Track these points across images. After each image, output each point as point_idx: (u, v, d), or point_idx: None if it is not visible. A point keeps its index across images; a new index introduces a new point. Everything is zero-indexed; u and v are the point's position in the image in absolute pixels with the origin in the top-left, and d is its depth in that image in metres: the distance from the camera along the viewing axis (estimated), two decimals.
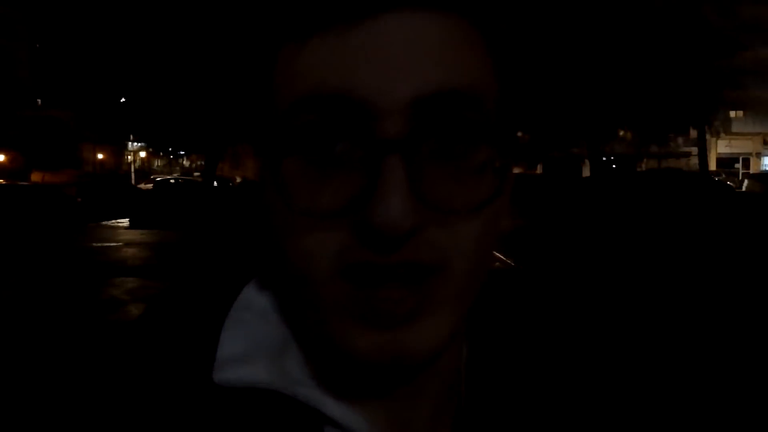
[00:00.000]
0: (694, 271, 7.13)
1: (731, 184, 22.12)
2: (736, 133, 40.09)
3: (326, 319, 0.45)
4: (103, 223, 19.84)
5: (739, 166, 41.11)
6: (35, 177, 35.15)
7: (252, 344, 0.50)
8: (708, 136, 27.07)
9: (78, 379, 0.49)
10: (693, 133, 29.71)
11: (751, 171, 37.32)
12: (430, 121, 0.43)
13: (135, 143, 51.44)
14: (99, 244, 14.13)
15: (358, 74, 0.42)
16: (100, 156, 47.69)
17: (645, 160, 35.40)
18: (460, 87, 0.43)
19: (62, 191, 23.34)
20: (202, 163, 30.37)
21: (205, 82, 17.06)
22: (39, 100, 43.45)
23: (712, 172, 30.80)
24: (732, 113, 38.50)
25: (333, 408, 0.48)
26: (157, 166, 69.44)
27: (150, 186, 29.73)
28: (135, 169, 52.48)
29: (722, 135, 35.62)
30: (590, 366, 0.60)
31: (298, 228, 0.44)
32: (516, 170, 0.50)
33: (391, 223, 0.40)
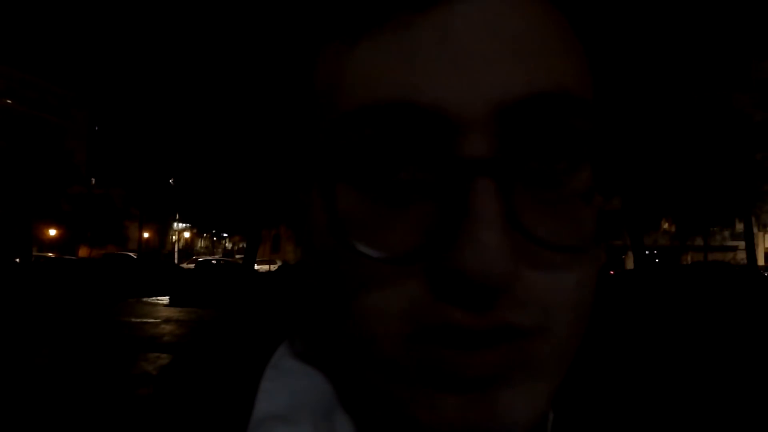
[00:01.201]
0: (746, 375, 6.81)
1: None
2: None
3: (392, 386, 0.35)
4: (144, 299, 20.07)
5: None
6: (83, 252, 36.11)
7: (296, 399, 0.40)
8: (755, 230, 26.48)
9: None
10: (740, 227, 29.12)
11: None
12: (524, 133, 0.33)
13: (180, 223, 52.65)
14: (138, 320, 14.23)
15: (429, 76, 0.32)
16: (145, 234, 48.81)
17: (689, 253, 34.68)
18: (556, 88, 0.33)
19: (106, 266, 23.90)
20: (244, 245, 30.84)
21: (246, 153, 17.53)
22: (93, 179, 45.12)
23: (761, 267, 29.93)
24: None
25: None
26: (200, 246, 70.71)
27: (192, 266, 30.19)
28: (178, 248, 53.49)
29: None
30: None
31: (357, 277, 0.34)
32: None
33: (487, 267, 0.30)
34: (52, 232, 37.31)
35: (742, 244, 29.06)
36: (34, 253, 29.53)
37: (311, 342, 0.43)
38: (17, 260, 24.89)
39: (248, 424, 0.39)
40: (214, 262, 28.72)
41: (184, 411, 0.40)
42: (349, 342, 0.36)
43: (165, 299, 19.67)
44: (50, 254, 28.12)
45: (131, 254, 30.41)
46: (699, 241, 27.88)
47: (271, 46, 0.40)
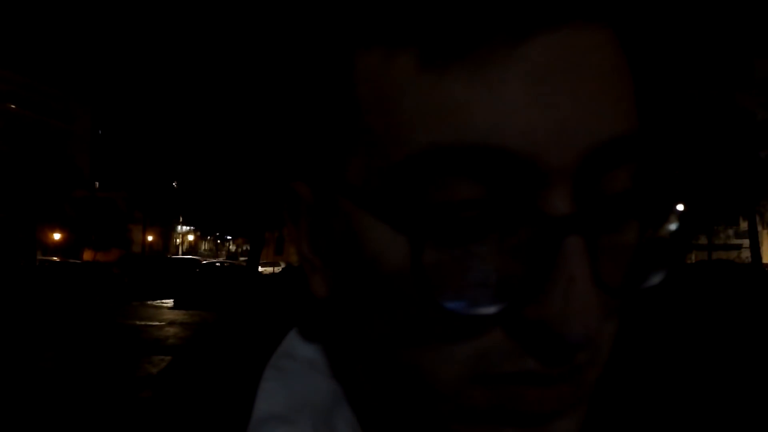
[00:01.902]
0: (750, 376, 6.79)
1: None
2: None
3: (451, 423, 0.33)
4: (148, 302, 20.11)
5: None
6: (87, 255, 36.20)
7: (296, 400, 0.39)
8: (759, 228, 26.43)
9: None
10: (744, 225, 29.06)
11: None
12: (602, 180, 0.31)
13: (183, 226, 52.76)
14: (142, 323, 14.26)
15: (519, 117, 0.29)
16: (149, 237, 48.91)
17: (694, 252, 34.63)
18: (630, 131, 0.31)
19: (111, 270, 23.98)
20: (248, 248, 30.92)
21: (251, 165, 17.57)
22: (97, 183, 45.26)
23: (766, 264, 29.86)
24: None
25: None
26: (204, 249, 70.84)
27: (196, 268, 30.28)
28: (182, 251, 53.60)
29: None
30: None
31: (426, 324, 0.32)
32: None
33: (583, 328, 0.29)
34: (57, 235, 37.41)
35: (746, 242, 29.01)
36: (39, 257, 29.60)
37: (312, 342, 0.43)
38: (22, 264, 24.95)
39: (248, 425, 0.38)
40: (218, 264, 28.79)
41: (184, 412, 0.40)
42: (403, 377, 0.34)
43: (169, 302, 19.71)
44: (54, 258, 28.17)
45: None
46: (703, 240, 27.84)
47: (303, 48, 0.36)
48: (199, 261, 29.37)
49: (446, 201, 0.30)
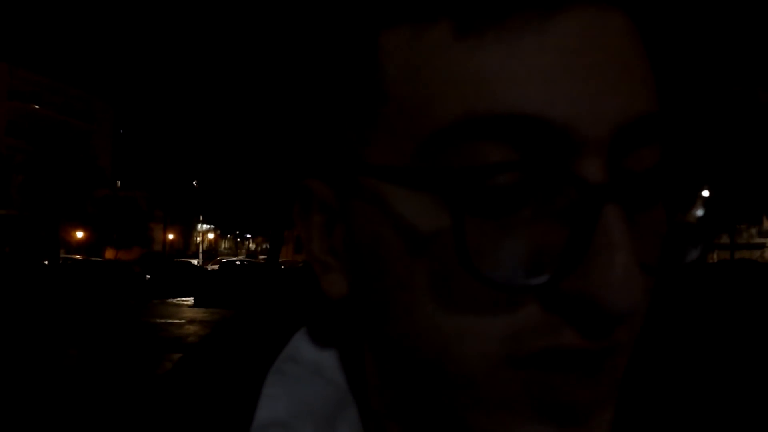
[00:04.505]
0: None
1: None
2: None
3: (478, 413, 0.32)
4: (168, 300, 20.28)
5: None
6: (109, 254, 36.63)
7: (298, 405, 0.39)
8: None
9: None
10: (767, 224, 28.67)
11: None
12: (635, 154, 0.32)
13: (204, 225, 53.15)
14: (162, 320, 14.39)
15: (558, 88, 0.29)
16: (170, 236, 49.31)
17: (716, 251, 34.24)
18: (656, 108, 0.32)
19: (132, 268, 24.24)
20: (267, 246, 31.09)
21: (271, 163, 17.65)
22: (119, 182, 45.75)
23: None
24: None
25: None
26: (224, 247, 71.27)
27: (216, 267, 30.47)
28: (202, 249, 53.99)
29: None
30: None
31: (465, 300, 0.31)
32: None
33: (626, 299, 0.29)
34: (79, 234, 37.88)
35: None
36: (62, 255, 30.01)
37: (319, 345, 0.42)
38: (45, 262, 25.30)
39: (249, 431, 0.38)
40: (237, 263, 28.96)
41: (185, 417, 0.39)
42: (432, 363, 0.33)
43: (190, 300, 19.86)
44: (77, 256, 28.54)
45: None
46: (726, 239, 27.52)
47: (325, 35, 0.36)
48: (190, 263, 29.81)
49: (482, 167, 0.30)
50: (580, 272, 0.29)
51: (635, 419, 0.41)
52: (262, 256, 47.61)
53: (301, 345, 0.42)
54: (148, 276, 23.47)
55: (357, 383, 0.40)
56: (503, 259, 0.30)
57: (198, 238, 56.44)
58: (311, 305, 0.44)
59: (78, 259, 26.04)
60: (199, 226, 54.14)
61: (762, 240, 36.98)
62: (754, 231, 36.30)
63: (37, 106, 43.06)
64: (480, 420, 0.32)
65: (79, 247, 36.98)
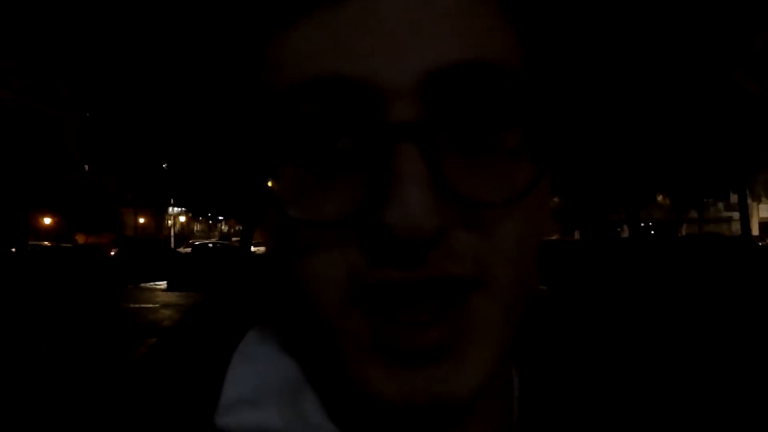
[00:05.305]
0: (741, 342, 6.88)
1: None
2: None
3: (341, 356, 0.36)
4: (142, 285, 20.12)
5: None
6: (79, 239, 36.13)
7: (263, 384, 0.41)
8: (749, 200, 26.60)
9: (73, 423, 0.44)
10: (734, 198, 29.27)
11: None
12: (450, 99, 0.35)
13: (175, 208, 52.61)
14: (136, 305, 14.29)
15: (355, 50, 0.34)
16: (141, 220, 48.79)
17: (684, 225, 34.87)
18: (482, 57, 0.35)
19: (102, 252, 23.95)
20: (240, 228, 30.92)
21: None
22: (86, 166, 44.99)
23: (755, 237, 30.12)
24: None
25: None
26: (197, 230, 70.72)
27: (188, 250, 30.23)
28: (175, 233, 53.49)
29: (764, 199, 34.94)
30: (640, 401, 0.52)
31: (299, 245, 0.36)
32: (552, 236, 0.37)
33: (410, 223, 0.32)
34: (47, 220, 37.27)
35: (736, 215, 29.20)
36: (30, 242, 29.52)
37: (278, 326, 0.44)
38: (13, 250, 24.87)
39: (216, 409, 0.40)
40: (210, 245, 28.76)
41: (155, 398, 0.42)
42: (300, 312, 0.38)
43: (163, 284, 19.73)
44: (46, 243, 28.11)
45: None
46: (693, 214, 28.03)
47: (221, 35, 0.41)
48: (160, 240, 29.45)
49: (300, 125, 0.35)
50: (382, 208, 0.32)
51: (606, 393, 0.42)
52: (235, 238, 47.37)
53: (263, 328, 0.44)
54: (125, 259, 23.24)
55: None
56: (321, 205, 0.35)
57: (170, 221, 55.88)
58: (268, 288, 0.47)
59: (46, 246, 25.64)
60: (171, 209, 53.57)
61: (729, 214, 37.74)
62: (721, 205, 37.01)
63: (2, 91, 42.06)
64: (349, 368, 0.36)
65: (48, 233, 36.38)
